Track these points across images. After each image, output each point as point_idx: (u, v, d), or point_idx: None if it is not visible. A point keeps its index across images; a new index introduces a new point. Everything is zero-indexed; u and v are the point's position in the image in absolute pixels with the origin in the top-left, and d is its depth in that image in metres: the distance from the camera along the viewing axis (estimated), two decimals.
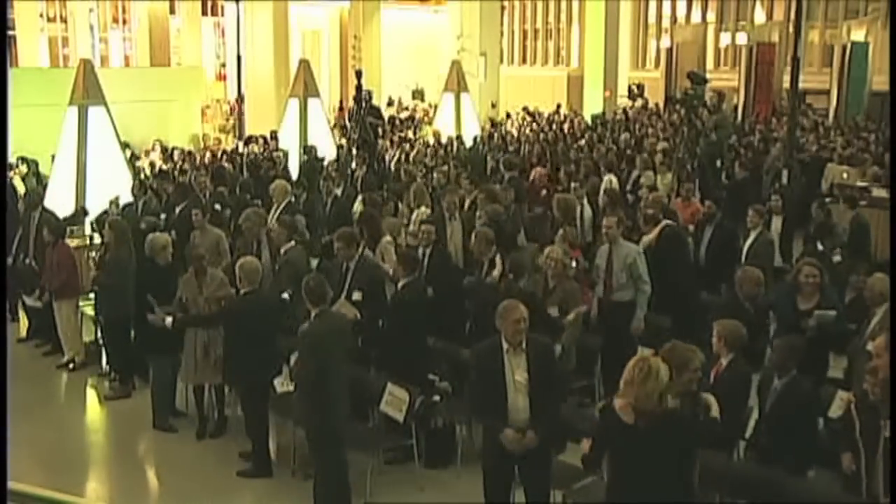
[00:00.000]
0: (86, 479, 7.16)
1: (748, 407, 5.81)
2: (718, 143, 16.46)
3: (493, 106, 26.16)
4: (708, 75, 22.98)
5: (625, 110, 25.67)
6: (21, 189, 12.72)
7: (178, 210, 10.25)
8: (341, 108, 25.84)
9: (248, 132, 19.57)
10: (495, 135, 20.30)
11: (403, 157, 16.40)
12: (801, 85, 12.98)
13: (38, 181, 13.28)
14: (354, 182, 12.76)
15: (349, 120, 19.29)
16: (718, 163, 15.46)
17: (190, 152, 17.10)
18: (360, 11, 27.94)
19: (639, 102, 27.45)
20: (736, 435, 5.70)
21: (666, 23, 33.94)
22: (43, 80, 17.78)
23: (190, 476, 7.00)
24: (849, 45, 24.47)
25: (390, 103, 27.76)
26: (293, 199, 10.78)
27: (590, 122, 23.61)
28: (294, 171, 14.88)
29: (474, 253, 8.20)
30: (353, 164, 14.23)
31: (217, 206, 10.34)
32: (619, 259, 7.91)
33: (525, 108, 25.90)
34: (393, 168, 15.49)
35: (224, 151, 17.94)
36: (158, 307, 7.26)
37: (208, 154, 18.01)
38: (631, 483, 4.42)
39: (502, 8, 31.50)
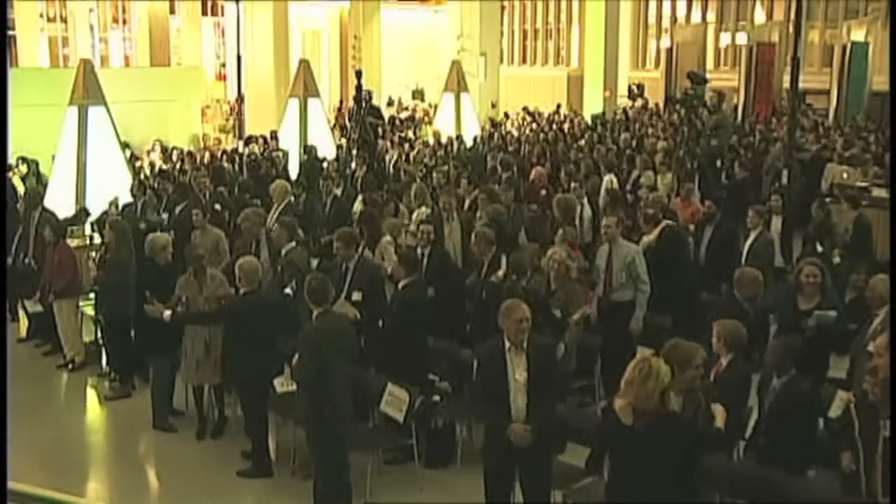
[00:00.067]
0: (86, 479, 7.16)
1: (748, 407, 5.82)
2: (719, 145, 16.46)
3: (493, 106, 26.14)
4: (708, 75, 22.98)
5: (625, 110, 25.65)
6: (21, 189, 12.71)
7: (178, 210, 10.25)
8: (340, 108, 25.82)
9: (248, 132, 19.51)
10: (495, 135, 20.29)
11: (403, 157, 16.39)
12: (801, 85, 12.93)
13: (38, 181, 13.27)
14: (354, 182, 12.76)
15: (349, 120, 19.28)
16: (718, 163, 15.45)
17: (190, 152, 17.08)
18: (360, 11, 27.90)
19: (639, 102, 27.43)
20: (736, 435, 5.70)
21: (666, 23, 33.92)
22: (43, 80, 17.73)
23: (190, 476, 7.00)
24: (849, 45, 24.45)
25: (390, 103, 27.72)
26: (293, 199, 10.79)
27: (590, 122, 23.58)
28: (294, 172, 14.88)
29: (475, 253, 8.21)
30: (353, 164, 14.23)
31: (217, 206, 10.34)
32: (619, 259, 7.92)
33: (525, 108, 25.90)
34: (393, 168, 15.50)
35: (224, 151, 17.89)
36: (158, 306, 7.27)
37: (208, 154, 17.99)
38: (629, 483, 4.43)
39: (502, 8, 31.49)
